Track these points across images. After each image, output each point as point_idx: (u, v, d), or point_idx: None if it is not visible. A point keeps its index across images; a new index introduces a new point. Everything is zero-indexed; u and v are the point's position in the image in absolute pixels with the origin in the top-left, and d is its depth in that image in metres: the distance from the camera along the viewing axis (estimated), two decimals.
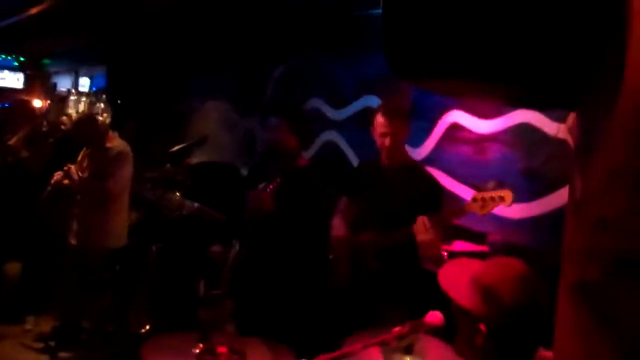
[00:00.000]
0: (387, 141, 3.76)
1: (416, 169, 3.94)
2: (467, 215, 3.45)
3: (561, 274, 1.31)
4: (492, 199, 3.29)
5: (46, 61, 15.64)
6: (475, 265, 2.07)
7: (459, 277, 2.03)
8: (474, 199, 3.35)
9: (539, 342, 1.97)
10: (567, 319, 1.27)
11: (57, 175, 5.17)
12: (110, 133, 5.24)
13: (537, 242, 4.11)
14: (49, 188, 5.23)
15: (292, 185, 4.19)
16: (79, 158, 5.30)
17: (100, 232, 5.18)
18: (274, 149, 4.34)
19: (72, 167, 5.16)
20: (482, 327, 1.92)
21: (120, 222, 5.32)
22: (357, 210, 4.03)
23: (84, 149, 5.31)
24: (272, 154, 4.38)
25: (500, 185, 3.30)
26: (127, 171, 5.21)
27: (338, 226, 4.05)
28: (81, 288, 5.24)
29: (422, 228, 3.44)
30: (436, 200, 3.74)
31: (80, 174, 5.13)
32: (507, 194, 3.27)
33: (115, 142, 5.21)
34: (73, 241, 5.26)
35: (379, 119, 3.79)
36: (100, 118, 5.31)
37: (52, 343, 5.38)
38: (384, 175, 3.91)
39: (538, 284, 1.94)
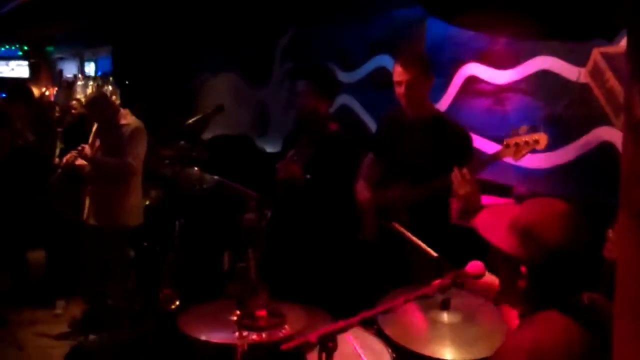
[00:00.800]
0: (401, 89, 3.73)
1: (443, 120, 3.89)
2: (500, 160, 3.40)
3: (622, 201, 1.27)
4: (527, 143, 3.24)
5: (50, 48, 15.60)
6: (512, 208, 2.06)
7: (496, 221, 2.02)
8: (507, 145, 3.30)
9: (584, 282, 1.95)
10: (631, 245, 1.24)
11: (69, 156, 5.14)
12: (123, 110, 5.19)
13: (564, 190, 4.06)
14: (59, 170, 5.22)
15: (323, 151, 4.13)
16: (90, 138, 5.27)
17: (117, 210, 5.18)
18: (304, 116, 4.27)
19: (86, 146, 5.13)
20: (524, 269, 1.90)
21: (136, 200, 5.33)
22: (384, 166, 4.00)
23: (94, 128, 5.26)
24: (302, 120, 4.31)
25: (534, 129, 3.23)
26: (143, 148, 5.21)
27: (362, 191, 4.02)
28: (104, 268, 5.25)
29: (461, 180, 3.38)
30: (467, 149, 3.70)
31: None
32: (542, 137, 3.21)
33: (130, 119, 5.18)
34: (90, 221, 5.25)
35: (396, 67, 3.78)
36: (119, 105, 5.25)
37: (82, 326, 5.42)
38: (411, 128, 3.86)
39: (578, 220, 1.92)
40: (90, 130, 5.39)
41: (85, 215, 5.26)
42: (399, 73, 3.75)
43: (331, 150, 4.14)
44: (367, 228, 4.01)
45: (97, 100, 5.11)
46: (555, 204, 1.96)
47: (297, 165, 4.11)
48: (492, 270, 2.15)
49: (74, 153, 5.12)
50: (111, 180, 5.10)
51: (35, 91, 8.22)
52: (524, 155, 3.26)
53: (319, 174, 4.06)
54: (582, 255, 1.89)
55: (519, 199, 4.33)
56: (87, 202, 5.25)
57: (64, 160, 5.16)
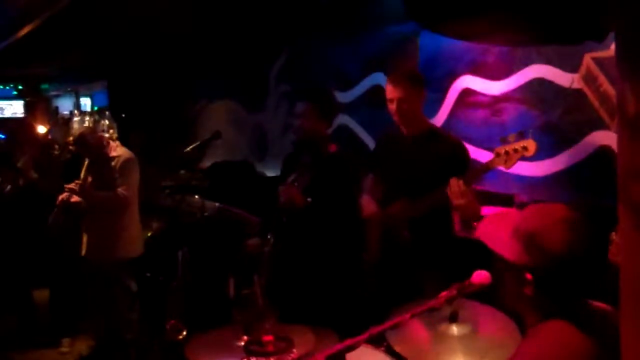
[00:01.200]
0: (393, 106, 3.73)
1: (437, 133, 3.89)
2: (492, 170, 3.39)
3: (621, 196, 1.27)
4: (515, 150, 3.24)
5: (45, 86, 15.66)
6: (514, 215, 2.03)
7: (499, 229, 2.00)
8: (497, 154, 3.30)
9: (590, 287, 1.93)
10: (633, 242, 1.24)
11: (64, 194, 5.13)
12: (113, 143, 5.19)
13: (565, 196, 4.05)
14: (55, 209, 5.20)
15: (324, 174, 4.11)
16: (82, 174, 5.25)
17: (115, 243, 5.11)
18: (303, 138, 4.26)
19: (79, 182, 5.12)
20: (529, 276, 1.88)
21: (134, 231, 5.26)
22: (384, 185, 3.99)
23: (86, 163, 5.25)
24: (302, 143, 4.30)
25: (522, 135, 3.23)
26: (134, 178, 5.15)
27: (367, 205, 4.01)
28: (108, 302, 5.22)
29: (457, 191, 3.38)
30: (463, 160, 3.70)
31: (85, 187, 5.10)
32: (530, 143, 3.21)
33: (120, 151, 5.16)
34: (89, 255, 5.21)
35: (387, 85, 3.79)
36: (106, 135, 5.22)
37: None
38: (406, 144, 3.86)
39: (581, 225, 1.90)
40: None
41: (84, 250, 5.23)
42: (390, 91, 3.76)
43: (331, 172, 4.13)
44: (372, 246, 4.00)
45: (84, 136, 5.10)
46: (558, 209, 1.94)
47: (297, 189, 4.10)
48: (498, 279, 2.14)
49: (66, 192, 5.11)
50: (107, 214, 5.06)
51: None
52: (514, 163, 3.26)
53: (319, 196, 4.05)
54: (587, 259, 1.87)
55: (522, 207, 4.33)
56: (85, 237, 5.23)
57: (60, 198, 5.14)
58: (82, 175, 5.19)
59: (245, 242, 4.86)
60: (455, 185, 3.37)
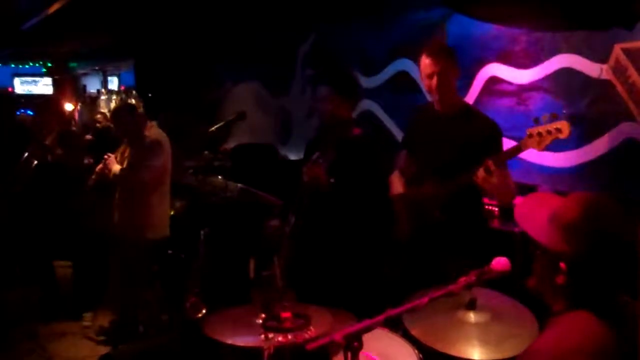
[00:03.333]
0: (434, 82, 3.64)
1: (472, 112, 3.81)
2: (517, 157, 3.34)
3: None
4: (549, 132, 3.18)
5: (73, 64, 15.77)
6: (554, 200, 1.99)
7: (537, 213, 1.96)
8: (530, 135, 3.23)
9: (623, 280, 1.90)
10: None
11: (100, 166, 5.17)
12: (149, 122, 5.20)
13: (589, 188, 4.02)
14: (93, 177, 5.23)
15: (347, 156, 4.10)
16: (120, 149, 5.29)
17: (140, 224, 5.16)
18: (326, 122, 4.24)
19: (112, 156, 5.16)
20: (563, 265, 1.86)
21: (160, 213, 5.29)
22: (416, 162, 3.95)
23: (125, 140, 5.28)
24: (325, 127, 4.28)
25: (555, 117, 3.18)
26: (163, 160, 5.15)
27: (395, 183, 3.99)
28: (130, 280, 5.28)
29: (485, 175, 3.31)
30: (496, 140, 3.63)
31: (118, 165, 5.13)
32: (564, 125, 3.15)
33: (153, 131, 5.18)
34: (116, 233, 5.28)
35: (424, 60, 3.68)
36: (144, 117, 5.25)
37: (111, 336, 5.46)
38: (440, 122, 3.80)
39: (622, 216, 1.86)
40: (115, 142, 5.42)
41: (112, 227, 5.29)
42: (428, 65, 3.66)
43: (354, 154, 4.11)
44: (401, 225, 3.97)
45: (119, 112, 5.13)
46: (599, 200, 1.90)
47: (321, 168, 4.09)
48: (524, 265, 2.10)
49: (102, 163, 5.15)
50: (134, 193, 5.12)
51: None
52: (547, 145, 3.20)
53: (342, 178, 4.04)
54: (626, 251, 1.84)
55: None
56: (115, 214, 5.28)
57: (97, 170, 5.18)
58: (121, 149, 5.22)
59: (265, 223, 4.87)
60: (483, 168, 3.31)
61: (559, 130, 3.16)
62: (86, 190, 5.33)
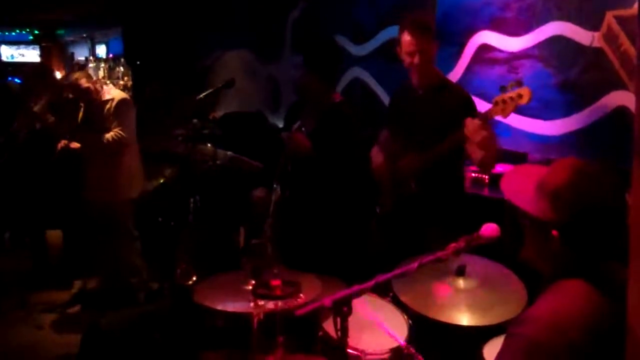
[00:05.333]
0: (416, 59, 3.65)
1: (449, 86, 3.85)
2: (492, 119, 3.31)
3: (636, 155, 1.25)
4: (511, 98, 3.18)
5: (61, 31, 15.61)
6: (538, 170, 1.99)
7: (524, 184, 1.96)
8: (496, 102, 3.23)
9: (616, 246, 1.90)
10: None
11: (62, 142, 5.25)
12: (105, 86, 5.29)
13: (580, 156, 4.00)
14: (56, 154, 5.31)
15: (327, 124, 4.09)
16: (79, 118, 5.32)
17: (114, 184, 5.25)
18: (299, 89, 4.23)
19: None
20: (555, 233, 1.86)
21: (133, 171, 5.38)
22: (397, 139, 3.97)
23: (82, 107, 5.32)
24: (300, 94, 4.27)
25: (519, 84, 3.18)
26: (130, 119, 5.27)
27: (376, 156, 4.00)
28: (112, 243, 5.30)
29: (476, 127, 3.29)
30: (469, 113, 3.64)
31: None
32: (525, 91, 3.14)
33: (114, 93, 5.29)
34: (91, 197, 5.34)
35: (405, 37, 3.68)
36: (121, 82, 5.27)
37: (100, 304, 5.48)
38: (416, 97, 3.83)
39: (609, 179, 1.86)
40: None
41: (86, 192, 5.31)
42: (410, 43, 3.66)
43: (334, 122, 4.11)
44: (384, 197, 4.00)
45: (77, 81, 5.15)
46: (584, 165, 1.89)
47: (302, 135, 4.09)
48: (512, 235, 2.10)
49: (64, 141, 5.22)
50: (104, 156, 5.17)
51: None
52: (511, 112, 3.20)
53: (323, 145, 4.03)
54: (615, 214, 1.83)
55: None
56: (86, 179, 5.31)
57: (59, 146, 5.25)
58: (79, 118, 5.27)
59: (251, 192, 4.89)
60: (471, 123, 3.30)
61: (520, 96, 3.16)
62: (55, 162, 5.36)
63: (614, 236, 1.84)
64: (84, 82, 5.11)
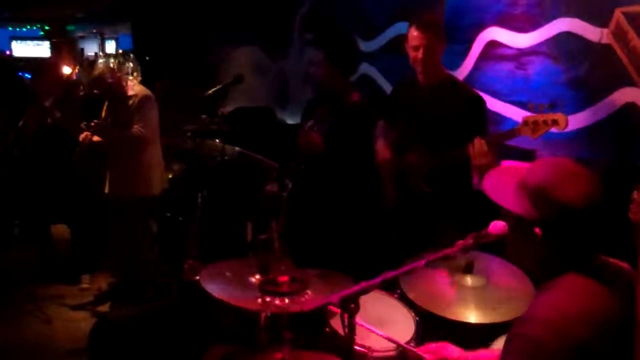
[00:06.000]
0: (419, 54, 3.69)
1: (455, 84, 3.86)
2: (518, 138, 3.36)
3: None
4: (545, 122, 3.20)
5: (71, 27, 15.66)
6: (519, 169, 2.02)
7: (505, 183, 1.99)
8: (525, 122, 3.26)
9: (602, 240, 1.91)
10: None
11: (84, 135, 5.22)
12: (130, 82, 5.23)
13: (588, 153, 4.01)
14: (78, 149, 5.28)
15: (344, 123, 4.08)
16: (103, 114, 5.32)
17: (135, 181, 5.25)
18: (321, 86, 4.20)
19: (97, 122, 5.22)
20: (538, 230, 1.87)
21: (154, 169, 5.37)
22: (396, 132, 3.97)
23: (106, 103, 5.32)
24: (320, 92, 4.24)
25: (553, 107, 3.19)
26: (153, 116, 5.24)
27: (382, 149, 4.00)
28: (128, 240, 5.32)
29: (479, 151, 3.35)
30: (480, 115, 3.66)
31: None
32: (561, 118, 3.17)
33: (137, 89, 5.24)
34: (111, 193, 5.34)
35: (412, 32, 3.73)
36: (130, 77, 5.25)
37: (108, 299, 5.50)
38: (423, 93, 3.84)
39: (589, 178, 1.88)
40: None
41: (106, 188, 5.32)
42: (416, 37, 3.71)
43: (350, 122, 4.09)
44: (388, 193, 4.00)
45: (103, 76, 5.13)
46: (565, 163, 1.94)
47: (316, 135, 4.08)
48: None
49: (86, 131, 5.20)
50: (127, 152, 5.17)
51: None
52: (541, 134, 3.22)
53: (338, 145, 4.02)
54: (597, 212, 1.85)
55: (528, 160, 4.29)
56: (108, 175, 5.32)
57: (81, 138, 5.23)
58: (102, 115, 5.26)
59: (263, 187, 4.88)
60: (479, 145, 3.35)
61: (555, 122, 3.18)
62: (76, 158, 5.35)
63: (598, 231, 1.86)
64: (108, 77, 5.10)
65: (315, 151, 4.05)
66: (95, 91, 5.37)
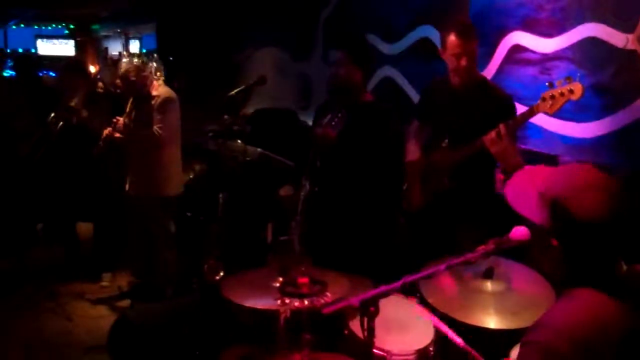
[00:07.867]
0: (463, 61, 3.67)
1: (487, 85, 3.87)
2: (537, 115, 3.32)
3: None
4: (562, 94, 3.17)
5: (95, 27, 15.79)
6: (543, 174, 1.96)
7: (526, 190, 1.94)
8: (543, 98, 3.24)
9: (620, 255, 1.88)
10: None
11: (107, 130, 5.26)
12: (155, 82, 5.25)
13: (611, 160, 3.98)
14: (100, 144, 5.33)
15: (358, 122, 4.07)
16: (127, 110, 5.36)
17: (155, 180, 5.27)
18: (337, 86, 4.20)
19: (120, 119, 5.28)
20: (555, 242, 1.85)
21: (173, 170, 5.38)
22: (429, 132, 3.98)
23: (130, 100, 5.35)
24: (336, 91, 4.24)
25: (569, 80, 3.16)
26: (174, 117, 5.26)
27: (413, 150, 4.01)
28: (149, 239, 5.34)
29: (495, 137, 3.34)
30: (510, 113, 3.65)
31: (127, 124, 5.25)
32: (577, 87, 3.13)
33: (161, 90, 5.26)
34: (132, 191, 5.38)
35: (453, 39, 3.68)
36: (152, 76, 5.28)
37: (129, 297, 5.54)
38: (456, 94, 3.83)
39: (611, 189, 1.83)
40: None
41: (127, 187, 5.36)
42: (458, 45, 3.67)
43: (364, 120, 4.08)
44: (414, 196, 4.00)
45: (128, 74, 5.16)
46: (585, 172, 1.88)
47: (333, 130, 4.07)
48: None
49: (110, 128, 5.24)
50: (144, 151, 5.21)
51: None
52: (559, 107, 3.19)
53: (353, 143, 4.01)
54: (615, 226, 1.80)
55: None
56: (130, 173, 5.36)
57: (103, 135, 5.28)
58: (126, 111, 5.30)
59: (280, 188, 4.89)
60: (494, 132, 3.34)
61: (571, 91, 3.15)
62: (97, 155, 5.40)
63: (617, 244, 1.83)
64: (132, 75, 5.13)
65: (329, 144, 4.03)
66: (118, 90, 5.40)
